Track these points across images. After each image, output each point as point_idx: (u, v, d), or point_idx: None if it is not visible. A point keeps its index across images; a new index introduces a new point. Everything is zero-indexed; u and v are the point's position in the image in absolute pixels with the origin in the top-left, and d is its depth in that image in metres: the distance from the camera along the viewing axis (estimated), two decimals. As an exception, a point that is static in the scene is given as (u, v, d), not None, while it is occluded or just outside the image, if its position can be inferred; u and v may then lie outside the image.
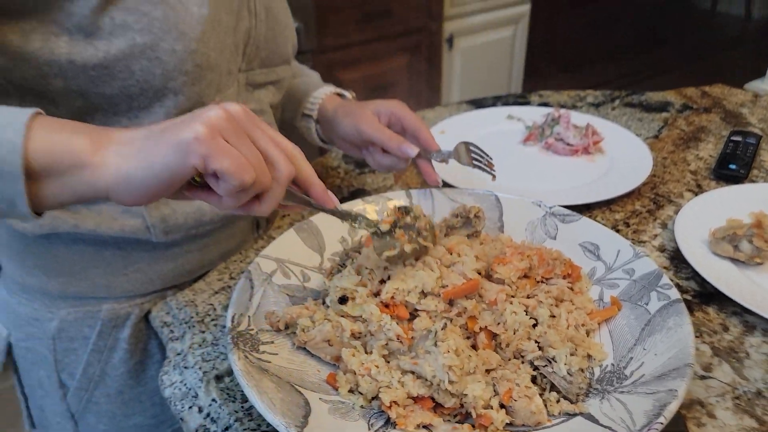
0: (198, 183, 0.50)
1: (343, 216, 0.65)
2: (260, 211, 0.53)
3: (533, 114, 1.13)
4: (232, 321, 0.61)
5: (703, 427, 0.57)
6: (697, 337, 0.68)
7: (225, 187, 0.47)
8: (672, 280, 0.76)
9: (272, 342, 0.62)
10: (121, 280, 0.79)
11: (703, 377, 0.63)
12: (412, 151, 0.81)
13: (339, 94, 0.93)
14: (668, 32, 4.65)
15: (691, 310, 0.71)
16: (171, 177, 0.46)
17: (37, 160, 0.46)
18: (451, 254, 0.70)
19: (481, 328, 0.63)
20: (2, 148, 0.45)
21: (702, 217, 0.84)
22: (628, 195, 0.94)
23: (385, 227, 0.68)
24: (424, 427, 0.55)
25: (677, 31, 4.67)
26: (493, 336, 0.64)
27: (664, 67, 4.10)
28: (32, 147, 0.46)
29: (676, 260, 0.80)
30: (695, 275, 0.76)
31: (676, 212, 0.86)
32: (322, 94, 0.92)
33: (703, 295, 0.74)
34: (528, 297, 0.66)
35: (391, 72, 2.45)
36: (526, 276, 0.68)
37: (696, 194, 0.91)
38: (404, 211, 0.71)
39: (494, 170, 0.84)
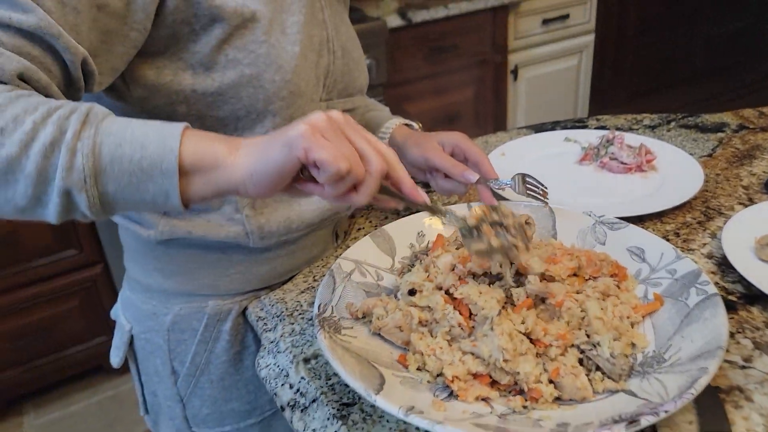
0: (305, 176, 0.56)
1: (434, 210, 0.69)
2: (357, 201, 0.56)
3: (589, 136, 1.14)
4: (319, 309, 0.67)
5: (740, 409, 0.60)
6: (740, 332, 0.70)
7: (324, 175, 0.52)
8: (718, 284, 0.79)
9: (351, 327, 0.67)
10: (224, 280, 0.84)
11: (743, 367, 0.65)
12: (473, 177, 0.85)
13: (407, 125, 0.98)
14: (738, 61, 4.49)
15: (735, 310, 0.74)
16: (282, 168, 0.53)
17: (187, 160, 0.54)
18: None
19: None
20: (163, 150, 0.53)
21: (750, 227, 0.85)
22: (680, 208, 0.95)
23: (472, 222, 0.71)
24: (482, 399, 0.59)
25: (746, 61, 4.53)
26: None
27: (732, 95, 4.00)
28: (184, 150, 0.54)
29: (723, 266, 0.81)
30: (741, 279, 0.77)
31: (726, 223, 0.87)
32: (392, 125, 0.97)
33: (748, 297, 0.76)
34: (577, 293, 0.69)
35: (458, 103, 2.48)
36: (575, 274, 0.72)
37: (745, 208, 0.92)
38: (492, 209, 0.74)
39: (547, 199, 0.87)
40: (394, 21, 2.19)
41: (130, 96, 0.72)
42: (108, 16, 0.62)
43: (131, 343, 0.90)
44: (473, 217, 0.73)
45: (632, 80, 3.91)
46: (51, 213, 0.55)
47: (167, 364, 0.87)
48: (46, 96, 0.58)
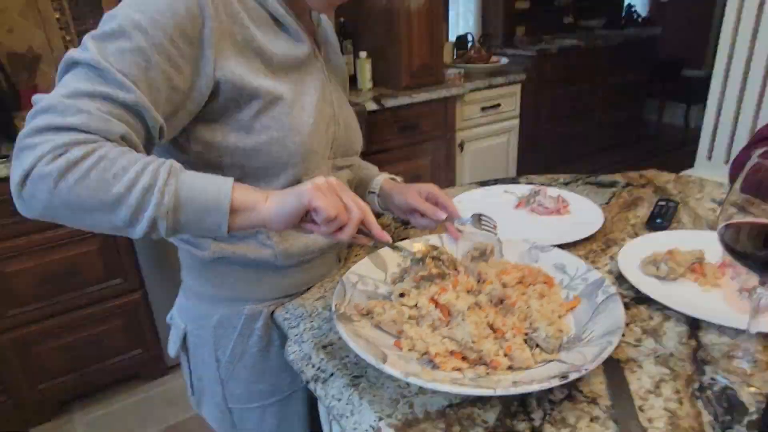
0: (308, 219, 0.62)
1: (393, 247, 0.75)
2: (342, 238, 0.63)
3: (522, 189, 1.17)
4: (335, 307, 0.68)
5: (634, 373, 0.64)
6: (632, 323, 0.74)
7: (320, 218, 0.60)
8: (616, 288, 0.79)
9: (359, 321, 0.69)
10: (257, 289, 0.85)
11: (635, 345, 0.69)
12: (443, 215, 0.87)
13: (392, 179, 1.00)
14: (626, 138, 4.63)
15: (628, 308, 0.77)
16: (295, 211, 0.60)
17: (234, 204, 0.59)
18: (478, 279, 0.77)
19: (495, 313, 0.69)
20: (219, 196, 0.58)
21: (636, 251, 0.90)
22: (587, 239, 0.98)
23: (418, 256, 0.78)
24: (457, 369, 0.62)
25: (626, 141, 4.69)
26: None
27: (618, 166, 4.07)
28: (234, 196, 0.59)
29: (619, 279, 0.84)
30: (632, 287, 0.81)
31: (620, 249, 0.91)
32: (382, 178, 0.99)
33: (637, 299, 0.79)
34: (522, 294, 0.72)
35: (420, 167, 2.52)
36: (520, 282, 0.75)
37: (633, 238, 0.96)
38: (433, 247, 0.81)
39: (497, 231, 0.89)
40: (372, 106, 2.24)
41: (190, 150, 0.74)
42: (178, 94, 0.65)
43: (184, 338, 0.90)
44: (419, 252, 0.80)
45: (546, 154, 4.00)
46: (138, 232, 0.58)
47: (212, 354, 0.87)
48: (137, 151, 0.62)
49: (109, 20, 0.61)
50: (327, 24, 0.92)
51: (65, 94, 0.57)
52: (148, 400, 1.93)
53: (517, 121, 2.89)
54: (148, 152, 0.66)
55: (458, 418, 0.58)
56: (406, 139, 2.42)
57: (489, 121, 2.76)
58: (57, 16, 1.93)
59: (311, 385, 0.68)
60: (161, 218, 0.57)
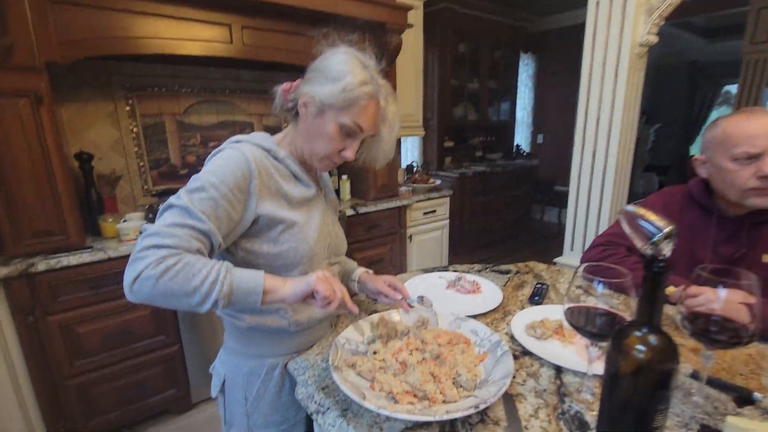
0: (311, 296, 0.68)
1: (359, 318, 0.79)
2: (330, 309, 0.68)
3: (450, 275, 1.20)
4: (331, 361, 0.71)
5: (521, 403, 0.67)
6: (521, 369, 0.77)
7: (318, 296, 0.67)
8: (510, 346, 0.84)
9: (346, 370, 0.71)
10: (276, 347, 0.85)
11: (521, 384, 0.72)
12: (398, 296, 0.89)
13: (366, 271, 1.00)
14: (520, 231, 4.73)
15: (517, 359, 0.80)
16: (303, 293, 0.67)
17: (265, 288, 0.65)
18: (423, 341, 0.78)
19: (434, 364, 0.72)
20: (256, 286, 0.64)
21: (522, 319, 0.93)
22: (492, 311, 1.00)
23: (375, 322, 0.83)
24: (410, 403, 0.64)
25: (520, 234, 4.79)
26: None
27: (519, 251, 4.20)
28: (265, 284, 0.65)
29: (512, 339, 0.87)
30: (520, 345, 0.84)
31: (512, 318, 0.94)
32: (360, 271, 0.99)
33: (523, 352, 0.82)
34: (451, 351, 0.75)
35: (382, 254, 2.55)
36: (449, 342, 0.78)
37: (521, 310, 0.99)
38: (384, 318, 0.84)
39: (433, 307, 0.90)
40: (350, 212, 2.31)
41: (237, 254, 0.77)
42: (233, 223, 0.71)
43: (223, 383, 0.88)
44: (378, 322, 0.84)
45: (468, 243, 4.05)
46: (205, 308, 0.64)
47: (242, 394, 0.85)
48: (206, 257, 0.68)
49: (195, 181, 0.69)
50: (326, 175, 0.99)
51: (165, 224, 0.64)
52: (177, 431, 1.81)
53: (447, 221, 2.97)
54: (211, 257, 0.71)
55: None
56: (372, 234, 2.47)
57: (428, 221, 2.84)
58: (135, 149, 2.01)
59: (314, 416, 0.69)
60: (221, 299, 0.63)
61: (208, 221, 0.67)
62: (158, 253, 0.62)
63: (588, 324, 0.65)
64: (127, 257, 1.60)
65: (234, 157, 0.72)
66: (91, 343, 1.61)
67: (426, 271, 1.30)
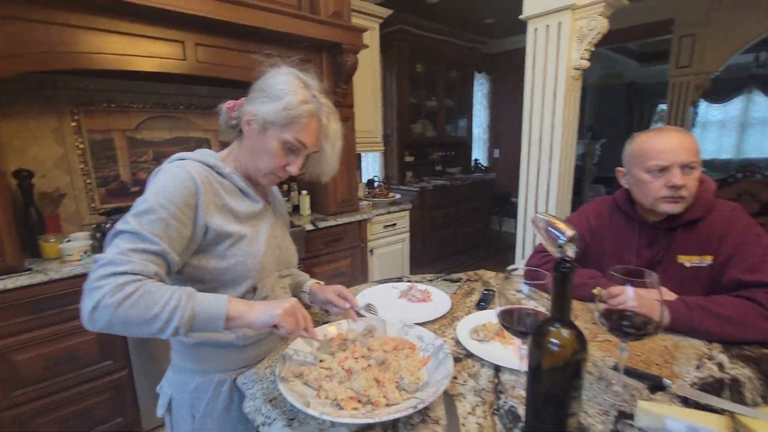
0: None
1: (319, 341, 0.81)
2: (291, 336, 0.71)
3: (402, 285, 1.23)
4: (278, 372, 0.72)
5: (461, 402, 0.70)
6: (463, 370, 0.80)
7: (282, 331, 0.69)
8: (454, 349, 0.87)
9: (293, 381, 0.73)
10: (223, 362, 0.84)
11: (463, 384, 0.75)
12: (347, 305, 0.91)
13: (318, 282, 1.01)
14: (479, 242, 4.86)
15: (461, 360, 0.83)
16: (267, 324, 0.68)
17: (229, 314, 0.66)
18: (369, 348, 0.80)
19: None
20: (220, 311, 0.65)
21: (467, 324, 0.96)
22: (441, 318, 1.02)
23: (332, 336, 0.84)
24: (354, 408, 0.65)
25: (480, 245, 4.93)
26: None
27: (471, 263, 4.29)
28: (228, 310, 0.66)
29: (458, 343, 0.89)
30: (464, 348, 0.87)
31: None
32: (311, 283, 1.00)
33: (467, 355, 0.85)
34: (395, 356, 0.76)
35: (343, 267, 2.55)
36: (395, 349, 0.79)
37: (467, 314, 1.03)
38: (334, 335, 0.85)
39: (379, 315, 0.92)
40: (309, 226, 2.31)
41: (183, 271, 0.76)
42: (185, 240, 0.72)
43: (170, 402, 0.87)
44: (332, 340, 0.83)
45: (429, 254, 4.12)
46: (166, 335, 0.64)
47: (189, 412, 0.84)
48: (164, 279, 0.68)
49: (141, 203, 0.69)
50: (275, 189, 1.01)
51: (118, 252, 0.64)
52: (124, 461, 1.70)
53: (407, 234, 3.01)
54: (169, 276, 0.71)
55: None
56: (333, 248, 2.48)
57: (389, 234, 2.88)
58: (81, 166, 1.94)
59: (260, 428, 0.68)
60: (182, 326, 0.64)
61: (161, 242, 0.67)
62: (116, 281, 0.62)
63: (518, 324, 0.70)
64: (70, 279, 1.52)
65: (179, 175, 0.73)
66: (32, 371, 1.51)
67: (380, 282, 1.33)
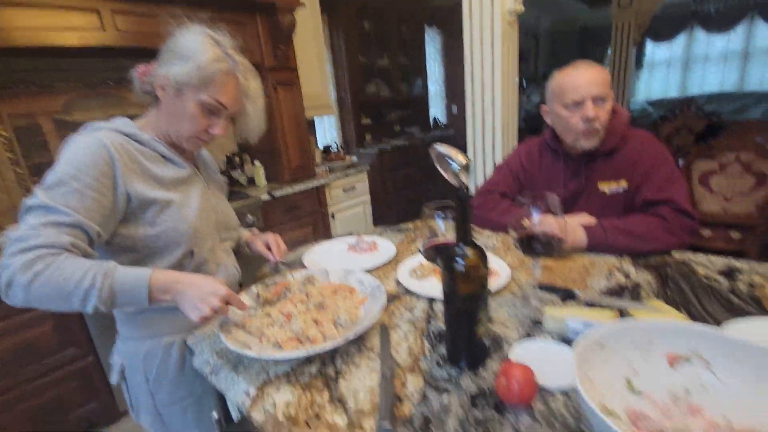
0: None
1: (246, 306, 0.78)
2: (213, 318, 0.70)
3: (351, 239, 1.23)
4: (220, 324, 0.75)
5: (395, 332, 0.75)
6: (401, 305, 0.84)
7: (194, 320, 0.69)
8: (394, 289, 0.92)
9: (237, 331, 0.75)
10: (168, 325, 0.86)
11: (399, 317, 0.79)
12: (272, 258, 0.94)
13: (252, 232, 1.03)
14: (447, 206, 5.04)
15: (400, 297, 0.88)
16: (192, 318, 0.68)
17: (152, 286, 0.66)
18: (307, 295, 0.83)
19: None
20: (141, 282, 0.65)
21: (407, 266, 1.00)
22: (387, 264, 1.07)
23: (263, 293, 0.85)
24: (294, 348, 0.68)
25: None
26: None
27: None
28: (152, 282, 0.66)
29: (398, 283, 0.95)
30: (404, 287, 0.91)
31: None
32: (246, 233, 1.04)
33: (406, 292, 0.90)
34: (334, 299, 0.81)
35: (305, 234, 2.57)
36: (335, 293, 0.84)
37: (409, 258, 1.06)
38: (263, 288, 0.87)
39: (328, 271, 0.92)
40: (266, 197, 2.30)
41: (113, 242, 0.76)
42: (107, 210, 0.71)
43: (123, 371, 0.88)
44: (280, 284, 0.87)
45: (393, 215, 4.15)
46: (88, 310, 0.64)
47: (143, 376, 0.86)
48: (84, 253, 0.67)
49: (52, 175, 0.68)
50: (206, 154, 1.00)
51: (27, 228, 0.63)
52: (101, 441, 1.74)
53: (368, 197, 3.04)
54: (93, 248, 0.71)
55: (295, 374, 0.68)
56: (293, 216, 2.49)
57: (349, 198, 2.90)
58: (9, 155, 1.84)
59: (210, 378, 0.72)
60: (102, 305, 0.64)
61: (74, 213, 0.66)
62: (25, 257, 0.61)
63: (437, 255, 0.76)
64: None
65: (90, 145, 0.72)
66: (-15, 368, 1.48)
67: (331, 239, 1.36)
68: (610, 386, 0.51)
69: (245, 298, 0.85)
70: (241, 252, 1.05)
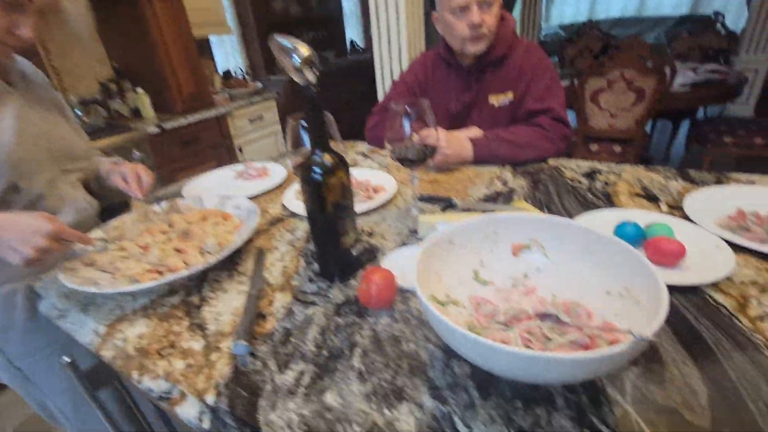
0: None
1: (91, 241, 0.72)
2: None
3: (239, 167, 1.17)
4: (63, 264, 0.68)
5: (272, 254, 0.73)
6: (282, 229, 0.81)
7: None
8: (280, 213, 0.88)
9: (84, 269, 0.68)
10: (6, 272, 0.79)
11: (279, 239, 0.78)
12: (133, 193, 0.85)
13: (114, 162, 0.94)
14: (359, 129, 4.99)
15: (284, 220, 0.84)
16: (14, 261, 0.61)
17: None
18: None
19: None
20: None
21: (293, 189, 0.96)
22: (277, 188, 1.02)
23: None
24: (153, 279, 0.64)
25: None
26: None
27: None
28: None
29: (284, 207, 0.90)
30: (289, 210, 0.87)
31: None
32: (107, 163, 0.93)
33: (291, 215, 0.87)
34: (203, 226, 0.76)
35: (209, 169, 2.35)
36: (204, 219, 0.79)
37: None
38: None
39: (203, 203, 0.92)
40: (154, 130, 2.06)
41: None
42: None
43: None
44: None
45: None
46: None
47: None
48: None
49: None
50: (29, 67, 0.84)
51: None
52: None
53: (278, 126, 2.87)
54: None
55: (153, 307, 0.63)
56: (190, 151, 2.28)
57: (257, 129, 2.72)
58: None
59: (56, 322, 0.66)
60: None
61: None
62: None
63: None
64: None
65: None
66: None
67: (216, 168, 1.28)
68: (459, 280, 0.52)
69: (97, 232, 0.76)
70: (104, 185, 0.93)
